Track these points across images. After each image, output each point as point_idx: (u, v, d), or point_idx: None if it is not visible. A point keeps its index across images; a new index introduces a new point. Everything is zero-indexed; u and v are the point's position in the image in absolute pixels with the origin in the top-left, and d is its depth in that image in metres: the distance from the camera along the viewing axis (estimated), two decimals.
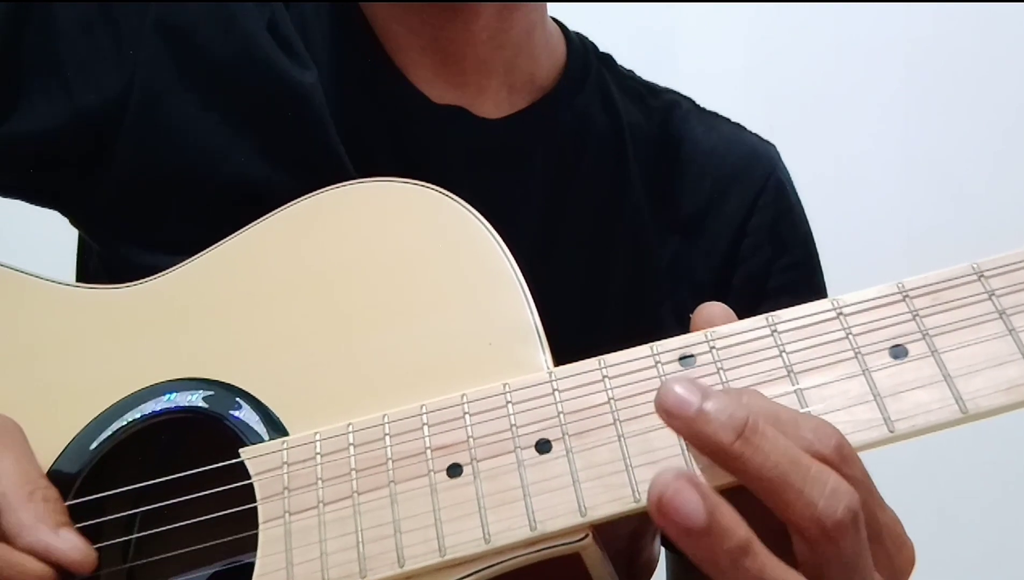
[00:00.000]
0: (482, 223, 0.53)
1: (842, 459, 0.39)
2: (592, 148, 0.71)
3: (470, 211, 0.54)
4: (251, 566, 0.45)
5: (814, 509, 0.37)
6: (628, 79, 0.77)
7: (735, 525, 0.36)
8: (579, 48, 0.75)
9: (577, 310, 0.67)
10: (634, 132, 0.73)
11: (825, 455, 0.39)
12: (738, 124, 0.79)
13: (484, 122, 0.68)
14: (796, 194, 0.77)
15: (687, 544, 0.36)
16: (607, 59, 0.77)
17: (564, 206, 0.69)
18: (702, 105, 0.79)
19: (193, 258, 0.56)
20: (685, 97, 0.78)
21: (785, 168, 0.77)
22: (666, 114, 0.75)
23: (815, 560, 0.38)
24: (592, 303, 0.69)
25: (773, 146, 0.78)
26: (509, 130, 0.69)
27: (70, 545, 0.44)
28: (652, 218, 0.71)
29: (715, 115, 0.78)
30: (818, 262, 0.76)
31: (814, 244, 0.76)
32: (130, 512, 0.48)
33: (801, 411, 0.42)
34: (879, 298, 0.45)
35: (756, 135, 0.78)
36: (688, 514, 0.35)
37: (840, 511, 0.37)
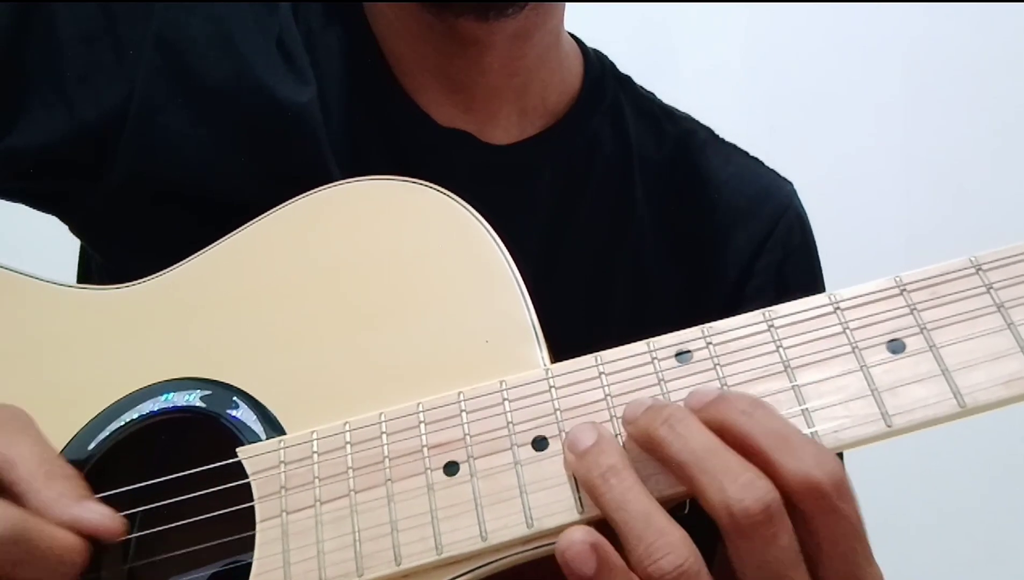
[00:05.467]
0: (479, 222, 0.53)
1: (838, 492, 0.39)
2: (598, 174, 0.70)
3: (467, 209, 0.54)
4: (250, 565, 0.45)
5: (724, 494, 0.39)
6: (646, 101, 0.75)
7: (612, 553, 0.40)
8: (596, 68, 0.73)
9: (579, 332, 0.66)
10: (644, 160, 0.71)
11: (819, 480, 0.39)
12: (756, 158, 0.76)
13: (489, 148, 0.68)
14: (809, 233, 0.75)
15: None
16: (626, 81, 0.75)
17: (568, 228, 0.69)
18: (720, 135, 0.76)
19: (189, 259, 0.56)
20: (703, 126, 0.76)
21: (800, 206, 0.74)
22: (681, 142, 0.74)
23: (736, 561, 0.40)
24: (594, 325, 0.68)
25: (789, 183, 0.76)
26: (515, 156, 0.68)
27: (97, 514, 0.44)
28: (658, 247, 0.70)
29: (733, 147, 0.76)
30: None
31: (822, 284, 0.74)
32: (129, 512, 0.48)
33: (808, 435, 0.42)
34: (876, 292, 0.45)
35: (773, 171, 0.76)
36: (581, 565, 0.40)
37: (749, 501, 0.38)
